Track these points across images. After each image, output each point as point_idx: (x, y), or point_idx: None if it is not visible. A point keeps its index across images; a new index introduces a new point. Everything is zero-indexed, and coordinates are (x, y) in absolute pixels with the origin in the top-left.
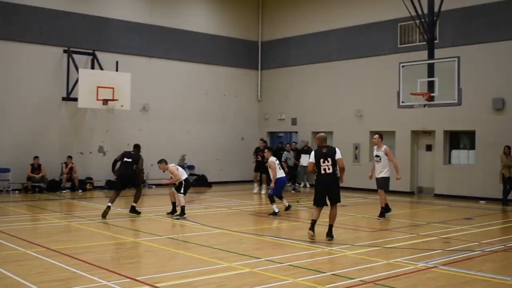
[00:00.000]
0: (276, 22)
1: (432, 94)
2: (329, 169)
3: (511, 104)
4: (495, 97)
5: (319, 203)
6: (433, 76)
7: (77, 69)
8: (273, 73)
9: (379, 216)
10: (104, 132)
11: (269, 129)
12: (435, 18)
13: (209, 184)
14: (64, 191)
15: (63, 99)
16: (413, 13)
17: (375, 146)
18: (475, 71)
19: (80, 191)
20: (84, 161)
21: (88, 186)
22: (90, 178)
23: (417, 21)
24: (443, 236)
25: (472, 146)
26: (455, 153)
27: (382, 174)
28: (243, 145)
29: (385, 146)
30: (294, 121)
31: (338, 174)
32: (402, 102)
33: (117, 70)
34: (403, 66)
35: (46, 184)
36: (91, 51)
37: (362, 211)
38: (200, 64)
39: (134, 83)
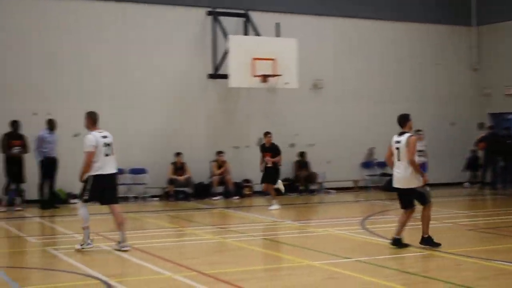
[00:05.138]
0: None
1: None
2: None
3: None
4: None
5: None
6: None
7: (226, 36)
8: (496, 30)
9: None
10: (265, 119)
11: (491, 110)
12: None
13: None
14: (216, 198)
15: (210, 76)
16: None
17: None
18: None
19: (236, 197)
20: (240, 158)
21: (246, 191)
22: (248, 181)
23: None
24: None
25: None
26: None
27: None
28: (453, 132)
29: None
30: None
31: None
32: None
33: (278, 36)
34: None
35: (192, 189)
36: (242, 12)
37: None
38: (384, 21)
39: (301, 52)
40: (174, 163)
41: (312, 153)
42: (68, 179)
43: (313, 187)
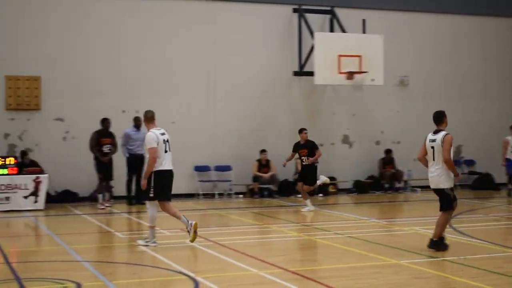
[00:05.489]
0: None
1: None
2: None
3: None
4: None
5: None
6: None
7: (311, 33)
8: None
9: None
10: (350, 116)
11: None
12: None
13: (495, 186)
14: (300, 195)
15: (295, 74)
16: None
17: None
18: None
19: (320, 195)
20: (324, 155)
21: (331, 189)
22: (333, 178)
23: None
24: None
25: None
26: None
27: None
28: None
29: None
30: None
31: None
32: None
33: (364, 32)
34: None
35: (277, 186)
36: (328, 8)
37: None
38: (473, 16)
39: (387, 48)
40: (259, 160)
41: (398, 150)
42: None
43: (398, 185)
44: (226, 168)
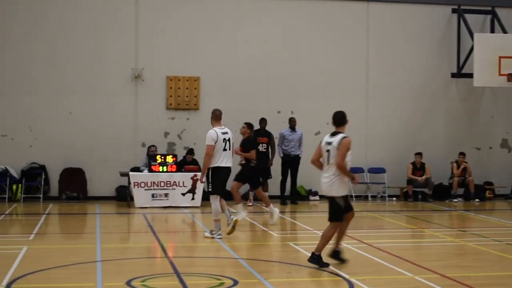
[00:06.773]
0: None
1: None
2: None
3: None
4: None
5: None
6: None
7: (471, 34)
8: None
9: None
10: (509, 119)
11: None
12: None
13: None
14: (456, 200)
15: (453, 75)
16: None
17: None
18: None
19: (476, 200)
20: (482, 159)
21: (487, 194)
22: (490, 183)
23: None
24: None
25: None
26: None
27: None
28: None
29: None
30: None
31: None
32: None
33: None
34: None
35: (431, 190)
36: (489, 9)
37: None
38: None
39: None
40: (413, 163)
41: None
42: (308, 176)
43: None
44: (380, 171)
